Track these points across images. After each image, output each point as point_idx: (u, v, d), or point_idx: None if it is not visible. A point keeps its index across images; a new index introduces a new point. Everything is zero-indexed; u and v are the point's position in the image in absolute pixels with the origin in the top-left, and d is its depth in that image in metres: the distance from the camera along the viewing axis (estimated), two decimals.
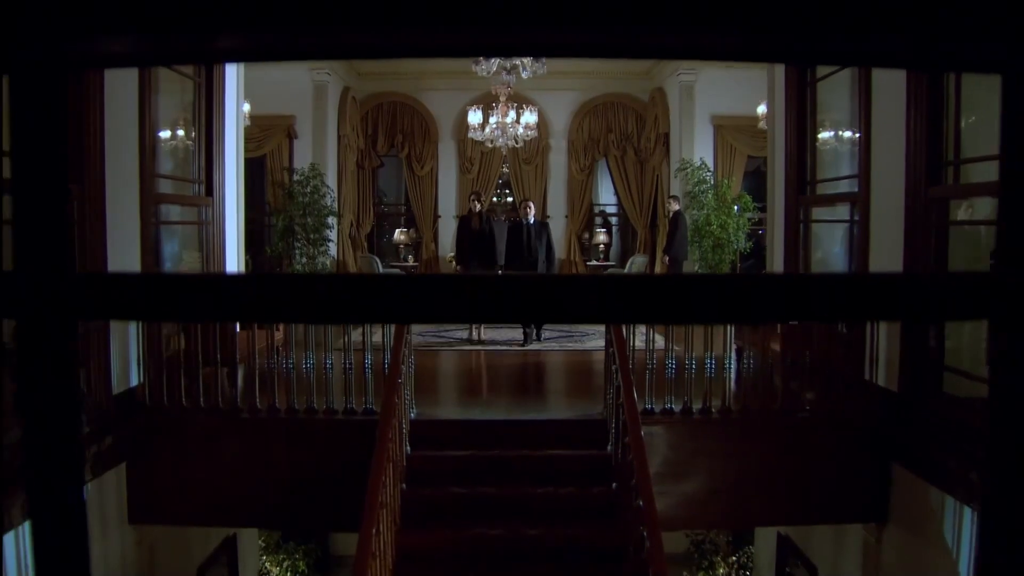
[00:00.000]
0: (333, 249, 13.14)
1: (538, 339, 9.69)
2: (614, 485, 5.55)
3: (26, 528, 5.04)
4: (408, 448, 5.74)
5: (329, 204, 12.69)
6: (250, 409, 6.00)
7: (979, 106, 5.62)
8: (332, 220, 12.84)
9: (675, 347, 6.31)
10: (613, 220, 16.03)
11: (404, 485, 5.47)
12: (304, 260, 12.35)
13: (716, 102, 12.91)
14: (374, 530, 4.33)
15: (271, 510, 6.06)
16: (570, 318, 0.63)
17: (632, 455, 4.76)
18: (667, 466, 5.97)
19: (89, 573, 0.62)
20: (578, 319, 0.61)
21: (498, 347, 9.48)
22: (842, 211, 7.59)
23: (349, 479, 5.21)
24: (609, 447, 5.81)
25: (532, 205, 10.24)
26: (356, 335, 6.53)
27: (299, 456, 5.88)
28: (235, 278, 0.62)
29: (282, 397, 6.06)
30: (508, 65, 10.19)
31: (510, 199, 15.66)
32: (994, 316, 0.63)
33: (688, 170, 12.85)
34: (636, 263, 13.37)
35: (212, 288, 0.57)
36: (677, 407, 6.07)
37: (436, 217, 14.87)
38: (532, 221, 9.83)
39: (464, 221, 10.38)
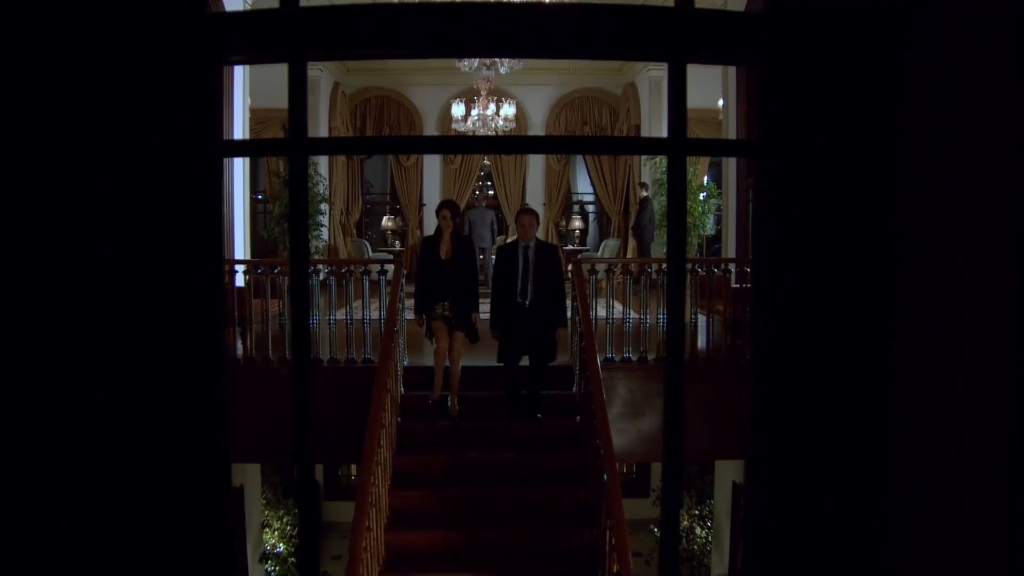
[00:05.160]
0: (325, 234, 14.01)
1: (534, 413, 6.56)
2: (578, 418, 6.51)
3: None
4: (402, 389, 6.69)
5: (322, 192, 13.56)
6: (263, 360, 6.90)
7: None
8: (324, 207, 13.69)
9: (632, 313, 7.26)
10: (590, 208, 17.02)
11: (399, 419, 6.41)
12: None
13: None
14: (377, 445, 5.25)
15: (283, 447, 6.94)
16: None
17: (592, 386, 5.71)
18: (625, 407, 6.93)
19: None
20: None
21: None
22: None
23: (352, 417, 6.10)
24: (574, 387, 6.78)
25: (536, 218, 6.79)
26: (356, 304, 7.43)
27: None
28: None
29: (292, 350, 6.95)
30: (488, 62, 11.01)
31: (491, 192, 16.55)
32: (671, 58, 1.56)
33: (657, 160, 13.78)
34: (609, 246, 14.35)
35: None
36: (635, 357, 7.03)
37: (421, 205, 15.76)
38: (533, 245, 6.51)
39: (428, 246, 6.72)
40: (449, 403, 6.60)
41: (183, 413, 1.64)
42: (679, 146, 1.54)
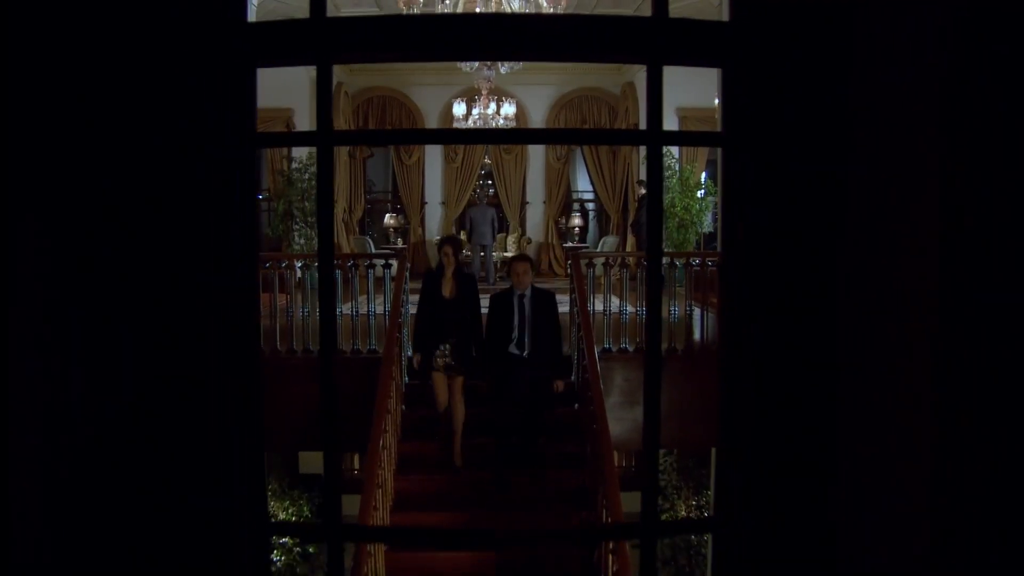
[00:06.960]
0: None
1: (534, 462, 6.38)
2: (576, 406, 6.74)
3: None
4: (406, 378, 6.91)
5: None
6: (271, 352, 7.13)
7: None
8: None
9: (629, 307, 7.48)
10: (590, 206, 17.25)
11: (403, 407, 6.64)
12: (303, 241, 13.41)
13: (680, 95, 14.00)
14: (383, 431, 5.48)
15: (293, 434, 7.16)
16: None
17: (590, 375, 5.94)
18: (622, 396, 7.16)
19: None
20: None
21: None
22: None
23: (356, 407, 6.30)
24: (573, 376, 7.01)
25: (530, 264, 6.46)
26: (361, 298, 7.66)
27: (314, 389, 7.00)
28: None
29: (299, 342, 7.20)
30: (488, 62, 11.22)
31: (492, 190, 16.75)
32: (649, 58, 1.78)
33: None
34: (608, 243, 14.58)
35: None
36: (631, 347, 7.26)
37: (423, 204, 16.00)
38: (528, 293, 6.19)
39: (430, 283, 6.41)
40: (453, 452, 6.30)
41: (219, 408, 1.67)
42: (655, 137, 1.77)
